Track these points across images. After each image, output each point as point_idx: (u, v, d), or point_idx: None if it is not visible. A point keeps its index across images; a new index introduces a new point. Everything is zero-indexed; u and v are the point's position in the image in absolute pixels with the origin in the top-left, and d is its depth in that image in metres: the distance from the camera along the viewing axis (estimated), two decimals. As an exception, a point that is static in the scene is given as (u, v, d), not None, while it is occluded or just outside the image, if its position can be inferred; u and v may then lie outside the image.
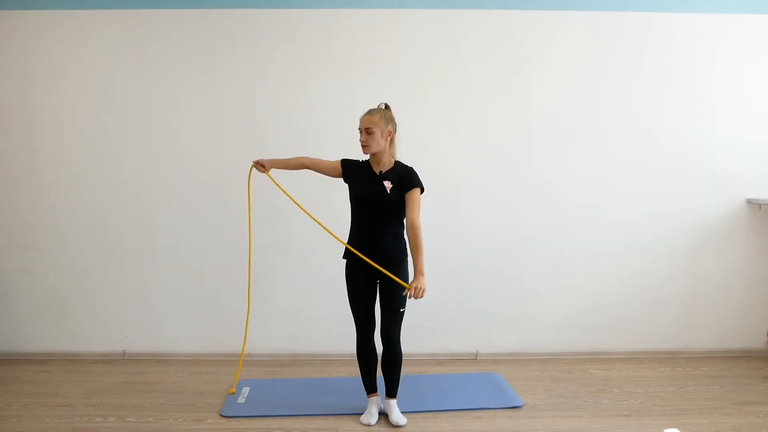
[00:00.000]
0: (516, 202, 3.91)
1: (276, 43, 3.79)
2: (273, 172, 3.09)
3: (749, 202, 3.95)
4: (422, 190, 2.90)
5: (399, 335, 2.96)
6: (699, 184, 3.93)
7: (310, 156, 3.08)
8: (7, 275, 3.93)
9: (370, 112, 2.88)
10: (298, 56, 3.78)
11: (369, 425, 2.93)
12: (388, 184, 2.86)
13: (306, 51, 3.79)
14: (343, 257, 3.00)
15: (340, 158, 2.99)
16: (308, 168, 3.03)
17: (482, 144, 3.88)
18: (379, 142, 2.84)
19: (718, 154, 3.92)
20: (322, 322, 3.93)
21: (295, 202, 3.03)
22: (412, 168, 2.93)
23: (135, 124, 3.83)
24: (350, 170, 2.95)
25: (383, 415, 3.03)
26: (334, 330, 3.90)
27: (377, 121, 2.83)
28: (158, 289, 3.93)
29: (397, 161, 2.95)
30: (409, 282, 2.83)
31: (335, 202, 3.77)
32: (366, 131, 2.83)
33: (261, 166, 3.06)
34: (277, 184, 3.04)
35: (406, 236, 2.91)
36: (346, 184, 2.98)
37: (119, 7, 3.76)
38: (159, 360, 3.90)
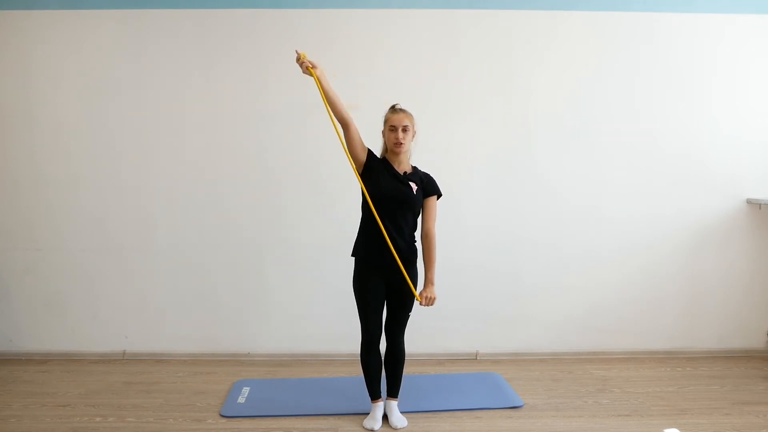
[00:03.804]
0: (516, 202, 3.91)
1: (276, 43, 3.79)
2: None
3: (749, 202, 3.94)
4: (439, 197, 2.95)
5: (404, 335, 2.98)
6: (699, 184, 3.93)
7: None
8: (8, 275, 3.93)
9: (399, 111, 2.84)
10: (298, 56, 3.78)
11: (372, 430, 2.92)
12: (413, 185, 2.85)
13: (306, 51, 3.77)
14: (352, 255, 2.94)
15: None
16: (347, 126, 2.74)
17: (482, 144, 3.88)
18: (409, 142, 2.84)
19: (718, 154, 3.92)
20: (322, 322, 3.93)
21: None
22: (430, 174, 2.95)
23: (135, 124, 3.83)
24: (374, 162, 2.84)
25: (384, 417, 3.02)
26: (334, 330, 3.90)
27: (411, 120, 2.83)
28: (158, 289, 3.93)
29: (413, 165, 2.95)
30: (418, 289, 2.87)
31: (338, 208, 3.78)
32: (403, 129, 2.80)
33: (307, 62, 2.67)
34: (319, 84, 2.67)
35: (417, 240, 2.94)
36: (356, 180, 2.90)
37: (119, 7, 3.76)
38: (159, 360, 3.90)
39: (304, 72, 2.72)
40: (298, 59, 2.71)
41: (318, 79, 2.68)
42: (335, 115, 2.74)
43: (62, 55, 3.79)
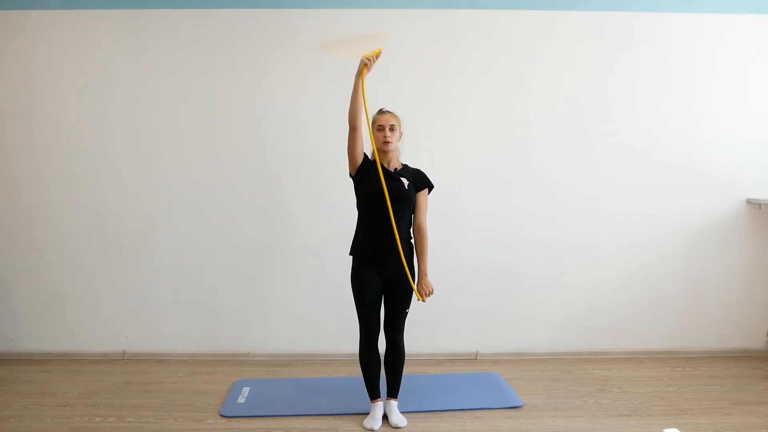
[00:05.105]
0: (516, 203, 3.91)
1: (276, 43, 3.79)
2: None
3: (749, 202, 3.94)
4: (431, 189, 3.01)
5: (403, 333, 3.00)
6: (699, 184, 3.93)
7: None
8: (8, 275, 3.93)
9: (386, 112, 2.94)
10: (298, 56, 3.78)
11: (372, 430, 2.92)
12: (405, 181, 2.91)
13: (306, 51, 3.79)
14: (350, 254, 2.98)
15: None
16: (355, 129, 2.81)
17: (482, 144, 3.88)
18: (396, 141, 2.93)
19: (718, 154, 3.92)
20: (322, 322, 3.93)
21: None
22: (420, 169, 3.02)
23: (135, 124, 3.83)
24: (367, 163, 2.91)
25: (384, 417, 3.01)
26: (334, 330, 3.90)
27: (397, 120, 2.93)
28: (158, 289, 3.93)
29: (404, 163, 3.01)
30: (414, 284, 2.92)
31: (338, 205, 3.79)
32: (390, 128, 2.88)
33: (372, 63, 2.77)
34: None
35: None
36: (351, 180, 2.96)
37: (119, 7, 3.76)
38: (159, 360, 3.90)
39: (362, 64, 2.75)
40: (375, 56, 2.76)
41: (364, 79, 2.77)
42: (349, 115, 2.81)
43: (62, 55, 3.79)
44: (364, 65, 2.75)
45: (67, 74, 3.80)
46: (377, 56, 2.77)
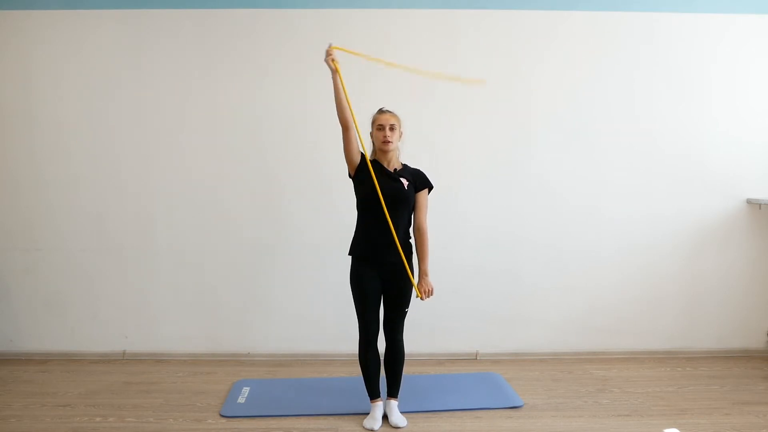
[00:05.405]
0: (515, 203, 3.91)
1: (276, 43, 3.79)
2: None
3: (749, 202, 3.95)
4: (431, 189, 3.01)
5: (403, 333, 3.00)
6: (699, 184, 3.93)
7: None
8: (8, 275, 3.93)
9: (386, 112, 2.94)
10: (298, 56, 3.78)
11: (372, 430, 2.92)
12: (404, 181, 2.91)
13: (306, 51, 3.78)
14: (349, 254, 2.98)
15: None
16: (347, 128, 2.81)
17: (481, 144, 3.88)
18: (396, 140, 2.93)
19: (718, 154, 3.92)
20: (322, 322, 3.93)
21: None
22: (420, 169, 3.02)
23: (135, 124, 3.83)
24: (365, 164, 2.90)
25: (384, 417, 3.01)
26: (334, 330, 3.90)
27: (397, 120, 2.94)
28: (158, 289, 3.93)
29: (403, 163, 3.01)
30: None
31: (338, 204, 3.79)
32: (390, 127, 2.89)
33: (333, 55, 2.78)
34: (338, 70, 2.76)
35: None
36: (351, 181, 2.96)
37: (119, 7, 3.76)
38: (159, 360, 3.90)
39: (328, 63, 2.79)
40: (328, 51, 2.79)
41: (340, 75, 2.78)
42: (338, 116, 2.82)
43: (62, 55, 3.79)
44: (332, 60, 2.77)
45: (67, 74, 3.80)
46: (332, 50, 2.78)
